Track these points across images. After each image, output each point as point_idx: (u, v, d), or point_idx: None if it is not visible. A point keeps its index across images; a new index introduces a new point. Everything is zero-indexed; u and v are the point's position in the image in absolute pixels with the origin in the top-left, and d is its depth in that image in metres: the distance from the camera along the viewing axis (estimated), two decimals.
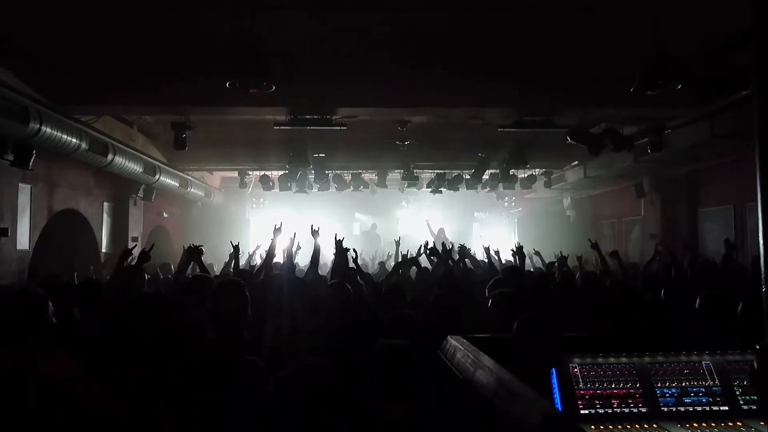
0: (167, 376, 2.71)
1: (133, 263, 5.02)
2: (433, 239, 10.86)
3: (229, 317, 3.42)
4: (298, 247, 8.59)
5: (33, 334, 2.63)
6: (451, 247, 8.16)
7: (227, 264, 7.49)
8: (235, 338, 3.27)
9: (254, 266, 8.71)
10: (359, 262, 6.68)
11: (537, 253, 8.61)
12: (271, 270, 5.81)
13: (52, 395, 2.30)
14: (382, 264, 10.20)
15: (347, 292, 4.51)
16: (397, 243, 9.56)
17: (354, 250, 6.69)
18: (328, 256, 7.61)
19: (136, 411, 2.49)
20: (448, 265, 6.81)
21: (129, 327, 3.53)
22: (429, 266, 7.40)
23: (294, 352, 3.35)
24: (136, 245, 5.68)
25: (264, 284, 5.11)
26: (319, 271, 6.30)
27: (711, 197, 10.99)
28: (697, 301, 3.77)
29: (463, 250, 7.62)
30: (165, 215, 13.99)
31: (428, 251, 7.28)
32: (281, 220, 6.24)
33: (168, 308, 3.96)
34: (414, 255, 7.33)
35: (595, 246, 7.10)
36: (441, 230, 16.92)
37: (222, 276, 6.62)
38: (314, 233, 6.22)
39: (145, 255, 4.88)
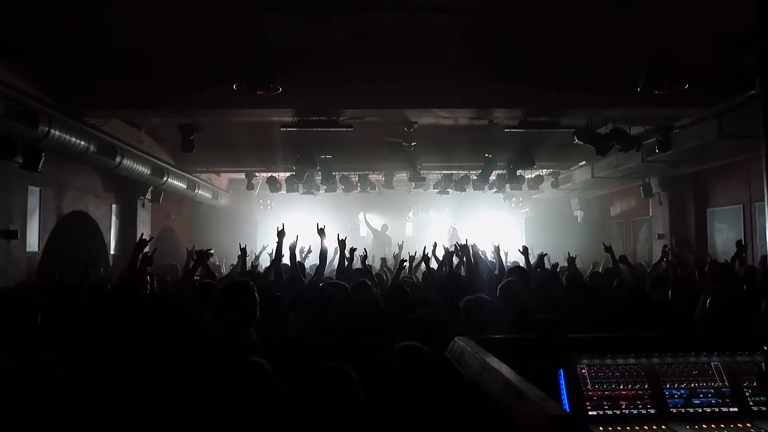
0: (171, 377, 2.72)
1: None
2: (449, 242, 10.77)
3: (237, 318, 3.43)
4: (309, 251, 8.62)
5: (25, 337, 2.68)
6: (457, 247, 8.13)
7: (235, 267, 7.53)
8: (242, 339, 3.28)
9: (257, 265, 8.76)
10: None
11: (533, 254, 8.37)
12: (280, 272, 5.84)
13: (52, 395, 2.32)
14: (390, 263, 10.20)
15: (347, 292, 4.52)
16: (400, 246, 9.57)
17: (353, 250, 6.71)
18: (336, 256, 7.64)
19: (138, 411, 2.51)
20: (451, 267, 6.83)
21: (133, 328, 3.55)
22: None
23: (303, 354, 3.35)
24: (152, 238, 5.68)
25: (272, 286, 5.13)
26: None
27: (719, 197, 10.94)
28: (707, 301, 3.74)
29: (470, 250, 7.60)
30: (173, 217, 14.04)
31: (424, 257, 7.26)
32: (283, 221, 6.24)
33: (174, 310, 3.99)
34: (421, 256, 7.35)
35: (608, 249, 7.07)
36: (454, 230, 16.91)
37: (229, 277, 6.65)
38: (320, 232, 6.22)
39: (148, 258, 4.90)
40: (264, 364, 2.50)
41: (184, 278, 5.88)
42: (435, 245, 8.15)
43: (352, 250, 6.72)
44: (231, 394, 2.39)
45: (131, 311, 3.94)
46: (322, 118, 8.09)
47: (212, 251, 5.55)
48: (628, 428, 2.19)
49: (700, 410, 2.31)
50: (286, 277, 5.65)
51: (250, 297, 3.53)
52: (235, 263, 10.79)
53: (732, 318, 3.52)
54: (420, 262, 7.48)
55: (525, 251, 7.23)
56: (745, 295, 4.23)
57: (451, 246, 7.83)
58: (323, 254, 6.04)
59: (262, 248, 10.42)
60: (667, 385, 2.36)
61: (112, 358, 2.99)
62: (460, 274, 6.48)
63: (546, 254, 7.53)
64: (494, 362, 2.09)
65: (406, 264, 7.22)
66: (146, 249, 5.05)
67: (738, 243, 6.77)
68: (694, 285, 5.01)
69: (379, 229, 17.95)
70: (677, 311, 4.28)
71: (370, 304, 4.41)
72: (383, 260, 10.12)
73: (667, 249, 7.89)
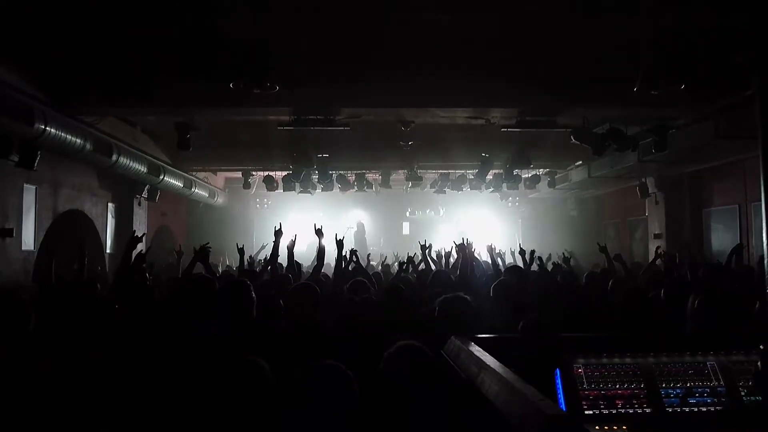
0: (169, 376, 2.72)
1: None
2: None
3: (234, 317, 3.42)
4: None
5: (17, 336, 2.68)
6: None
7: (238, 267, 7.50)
8: (239, 338, 3.27)
9: (257, 261, 8.75)
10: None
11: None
12: (276, 271, 5.82)
13: (45, 395, 2.32)
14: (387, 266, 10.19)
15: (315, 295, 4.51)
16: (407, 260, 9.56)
17: (353, 251, 6.71)
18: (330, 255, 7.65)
19: (136, 410, 2.50)
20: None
21: (132, 326, 3.54)
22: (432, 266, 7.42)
23: (302, 353, 3.35)
24: (144, 234, 5.66)
25: (268, 284, 5.13)
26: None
27: (715, 197, 10.97)
28: (695, 302, 3.74)
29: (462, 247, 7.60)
30: (169, 216, 14.01)
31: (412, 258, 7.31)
32: (280, 222, 6.22)
33: (170, 308, 3.99)
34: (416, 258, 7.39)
35: (603, 249, 7.08)
36: (462, 232, 16.87)
37: (224, 276, 6.64)
38: (318, 233, 6.21)
39: (141, 257, 4.86)
40: (262, 363, 2.50)
41: (183, 276, 5.86)
42: (430, 246, 8.13)
43: (353, 252, 6.72)
44: (229, 393, 2.39)
45: (131, 310, 3.94)
46: (318, 117, 8.08)
47: (209, 246, 5.49)
48: (624, 427, 2.20)
49: (695, 410, 2.31)
50: (279, 276, 5.64)
51: (247, 296, 3.52)
52: (230, 262, 10.81)
53: (720, 318, 3.52)
54: (418, 264, 7.47)
55: (522, 253, 7.23)
56: (736, 296, 4.22)
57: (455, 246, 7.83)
58: (321, 254, 6.03)
59: (262, 246, 10.36)
60: (663, 385, 2.37)
61: (109, 357, 2.98)
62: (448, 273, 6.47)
63: (534, 251, 7.49)
64: (491, 361, 2.09)
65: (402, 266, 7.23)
66: (140, 248, 5.02)
67: (738, 247, 6.74)
68: (688, 285, 5.01)
69: (356, 228, 17.33)
70: (672, 311, 4.29)
71: (367, 303, 4.40)
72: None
73: (660, 251, 7.90)
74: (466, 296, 3.94)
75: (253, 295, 3.58)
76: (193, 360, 2.89)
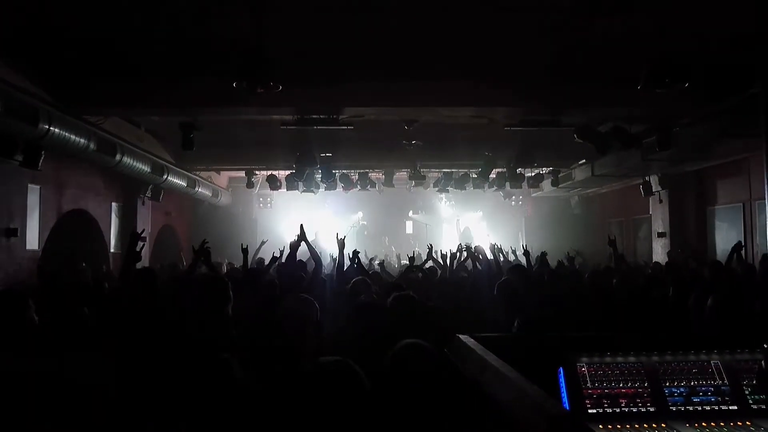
0: (141, 372, 2.73)
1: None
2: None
3: (208, 314, 3.42)
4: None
5: (15, 333, 2.69)
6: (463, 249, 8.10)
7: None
8: (216, 336, 3.26)
9: (258, 259, 8.75)
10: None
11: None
12: (297, 269, 5.81)
13: (43, 392, 2.33)
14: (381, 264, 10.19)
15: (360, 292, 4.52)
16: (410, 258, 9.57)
17: (355, 252, 6.70)
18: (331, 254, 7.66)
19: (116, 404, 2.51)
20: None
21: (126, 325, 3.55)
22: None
23: (306, 352, 3.36)
24: (143, 231, 5.62)
25: (273, 283, 5.14)
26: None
27: (720, 195, 10.94)
28: (709, 300, 3.74)
29: (470, 251, 7.61)
30: (173, 215, 14.04)
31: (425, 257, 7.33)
32: (282, 221, 6.21)
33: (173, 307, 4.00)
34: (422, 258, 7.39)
35: (612, 243, 7.06)
36: (466, 229, 16.90)
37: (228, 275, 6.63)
38: (300, 235, 6.18)
39: (136, 255, 4.81)
40: (230, 361, 2.50)
41: (186, 275, 5.85)
42: (431, 247, 8.15)
43: (355, 253, 6.71)
44: (196, 390, 2.39)
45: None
46: (322, 117, 8.09)
47: (208, 243, 5.48)
48: (627, 426, 2.20)
49: (699, 408, 2.31)
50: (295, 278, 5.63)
51: (221, 293, 3.53)
52: (234, 262, 10.81)
53: (735, 317, 3.52)
54: (423, 264, 7.48)
55: (527, 254, 7.24)
56: (744, 294, 4.22)
57: (462, 245, 7.83)
58: (315, 255, 5.98)
59: (261, 243, 10.38)
60: (667, 384, 2.37)
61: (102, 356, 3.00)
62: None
63: (544, 253, 7.50)
64: (494, 360, 2.09)
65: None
66: (135, 247, 4.92)
67: (737, 244, 6.72)
68: (692, 284, 5.01)
69: (359, 227, 17.36)
70: (675, 310, 4.28)
71: (371, 303, 4.41)
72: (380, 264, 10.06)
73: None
74: (413, 295, 3.96)
75: (230, 293, 3.59)
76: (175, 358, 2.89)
